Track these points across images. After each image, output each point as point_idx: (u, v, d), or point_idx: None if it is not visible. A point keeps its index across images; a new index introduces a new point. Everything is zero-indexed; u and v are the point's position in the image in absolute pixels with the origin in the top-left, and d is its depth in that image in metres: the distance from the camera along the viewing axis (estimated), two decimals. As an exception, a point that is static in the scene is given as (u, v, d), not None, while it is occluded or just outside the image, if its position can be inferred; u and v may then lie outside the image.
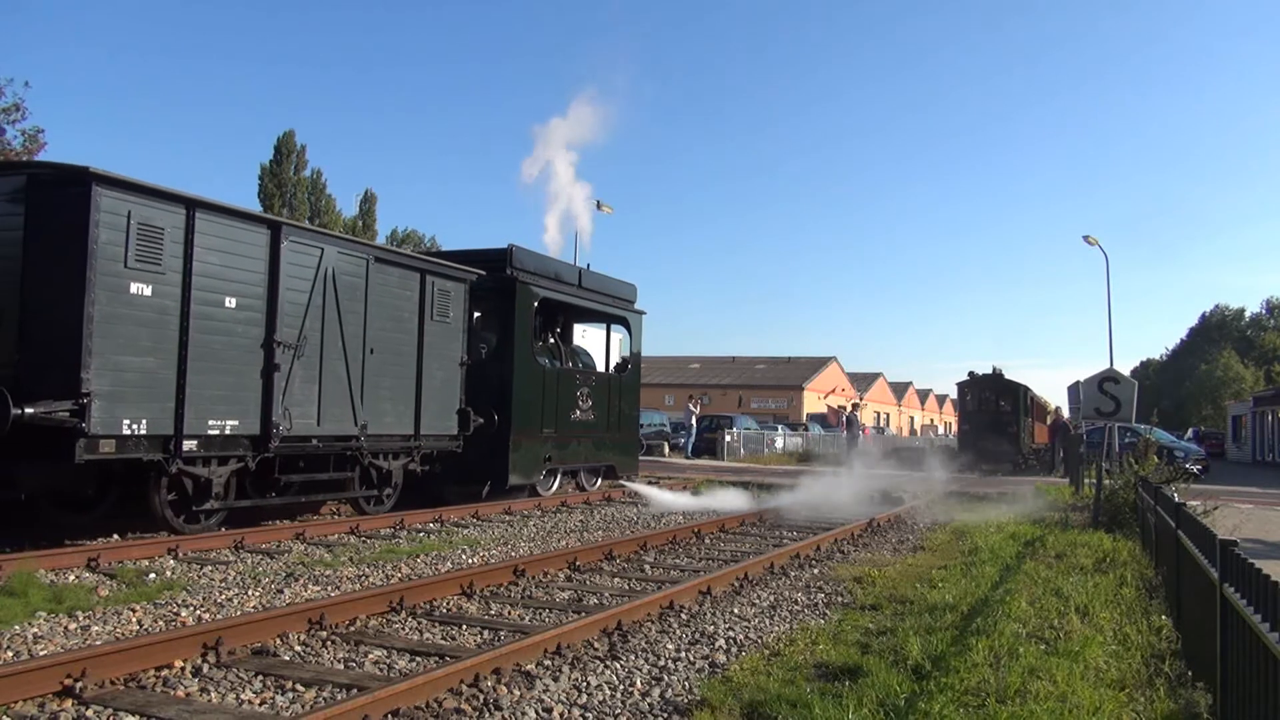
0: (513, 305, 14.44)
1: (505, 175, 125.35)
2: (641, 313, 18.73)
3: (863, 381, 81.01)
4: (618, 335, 19.52)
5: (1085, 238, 34.62)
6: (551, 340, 16.76)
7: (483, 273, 13.85)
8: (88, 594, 7.08)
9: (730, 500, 16.91)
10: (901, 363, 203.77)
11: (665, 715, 4.84)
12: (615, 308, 18.03)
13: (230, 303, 9.87)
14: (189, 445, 9.46)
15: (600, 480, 17.64)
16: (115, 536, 9.57)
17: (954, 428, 54.29)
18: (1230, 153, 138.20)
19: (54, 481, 9.28)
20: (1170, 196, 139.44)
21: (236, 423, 9.95)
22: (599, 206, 29.30)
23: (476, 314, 14.23)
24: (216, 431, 9.75)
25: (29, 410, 8.13)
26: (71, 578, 7.73)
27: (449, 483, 14.07)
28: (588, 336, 21.36)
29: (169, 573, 8.14)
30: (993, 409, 34.28)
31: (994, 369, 35.18)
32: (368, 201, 54.52)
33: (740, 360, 75.01)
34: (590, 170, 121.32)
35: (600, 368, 18.43)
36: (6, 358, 8.60)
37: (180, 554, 8.92)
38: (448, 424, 13.18)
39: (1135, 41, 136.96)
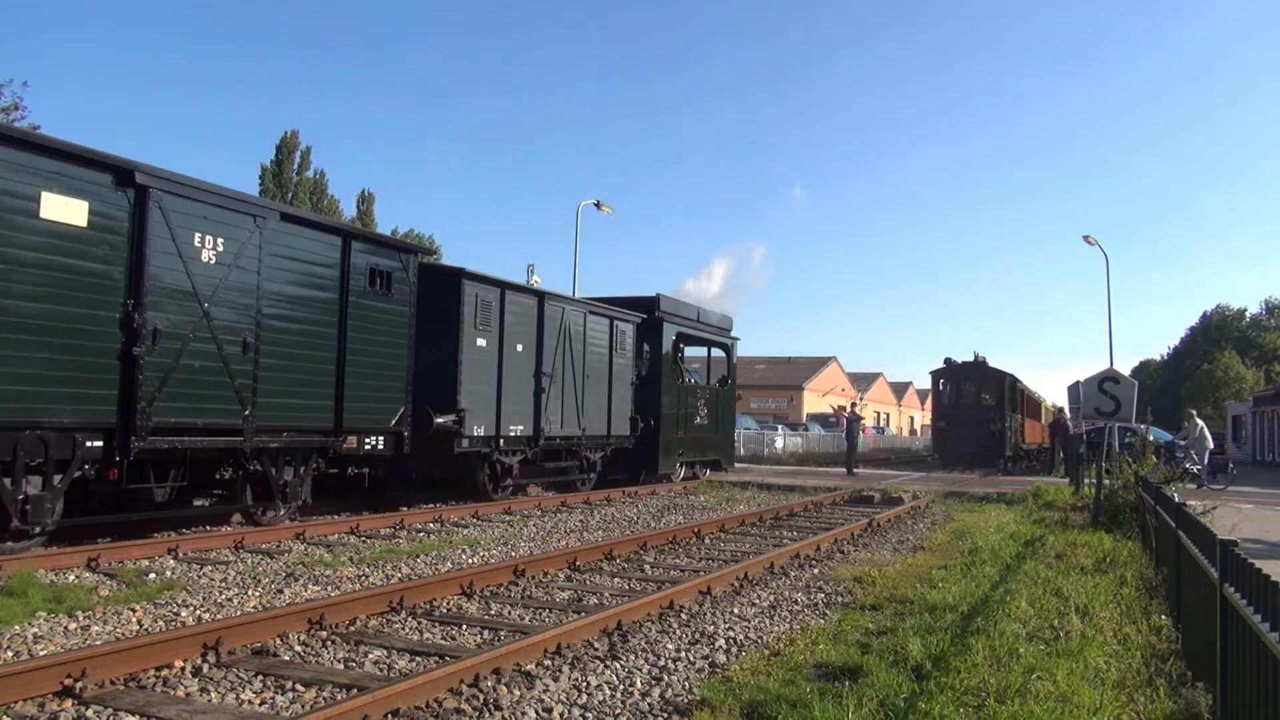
0: (660, 339, 19.33)
1: (503, 174, 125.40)
2: (737, 339, 23.45)
3: (863, 381, 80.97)
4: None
5: (1085, 237, 34.53)
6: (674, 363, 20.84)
7: (645, 316, 18.86)
8: (88, 594, 7.08)
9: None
10: (901, 363, 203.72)
11: (665, 715, 4.84)
12: (719, 335, 22.74)
13: (519, 348, 14.88)
14: (501, 442, 14.45)
15: (709, 471, 22.00)
16: (116, 538, 9.57)
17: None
18: (1231, 153, 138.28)
19: (435, 467, 13.95)
20: (1171, 197, 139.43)
21: (522, 428, 14.98)
22: (599, 207, 29.34)
23: None
24: (514, 433, 14.77)
25: (439, 420, 12.90)
26: (71, 578, 7.74)
27: (614, 471, 18.39)
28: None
29: (169, 573, 8.14)
30: (973, 402, 30.25)
31: (975, 355, 31.10)
32: (365, 201, 54.57)
33: (740, 360, 74.93)
34: (589, 167, 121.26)
35: (702, 381, 23.34)
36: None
37: (180, 554, 8.93)
38: (624, 427, 18.32)
39: (1136, 41, 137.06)
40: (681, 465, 20.45)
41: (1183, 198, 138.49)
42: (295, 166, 49.94)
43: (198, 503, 10.88)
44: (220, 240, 9.82)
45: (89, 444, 8.66)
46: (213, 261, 9.74)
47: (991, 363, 31.32)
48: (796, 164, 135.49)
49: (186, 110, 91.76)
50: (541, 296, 15.49)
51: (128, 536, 9.58)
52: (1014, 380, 31.49)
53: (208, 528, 10.77)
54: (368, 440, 11.93)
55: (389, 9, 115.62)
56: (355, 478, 12.66)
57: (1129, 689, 5.26)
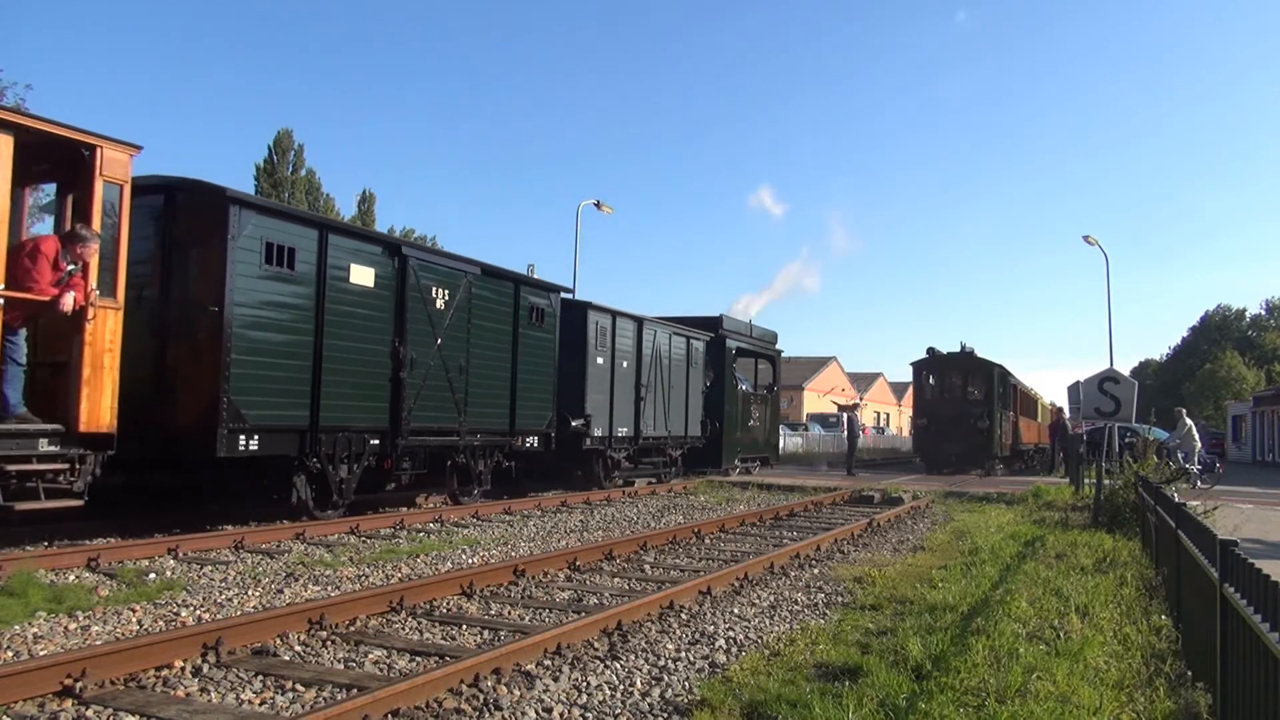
0: (723, 354, 22.64)
1: (501, 173, 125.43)
2: (780, 350, 26.98)
3: (863, 381, 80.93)
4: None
5: (1085, 238, 34.44)
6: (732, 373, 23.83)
7: (711, 335, 22.19)
8: (88, 594, 7.07)
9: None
10: (901, 363, 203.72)
11: (665, 715, 4.84)
12: (766, 349, 26.10)
13: (625, 364, 18.13)
14: (613, 441, 17.74)
15: (758, 466, 24.92)
16: (116, 538, 9.57)
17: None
18: (1233, 153, 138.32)
19: (565, 462, 16.96)
20: (1172, 196, 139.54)
21: (626, 430, 18.27)
22: (599, 207, 29.32)
23: None
24: (621, 434, 18.02)
25: (574, 423, 16.27)
26: (71, 578, 7.73)
27: (685, 465, 21.44)
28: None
29: (169, 573, 8.14)
30: (959, 396, 27.55)
31: (962, 345, 28.31)
32: (366, 201, 54.61)
33: (741, 360, 74.71)
34: (588, 164, 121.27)
35: (749, 385, 25.69)
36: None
37: (180, 554, 8.92)
38: (698, 429, 21.66)
39: (1136, 41, 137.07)
40: (738, 461, 23.58)
41: (1184, 197, 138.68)
42: (290, 166, 49.96)
43: (388, 486, 13.01)
44: (446, 291, 13.04)
45: (372, 442, 11.87)
46: (442, 307, 12.96)
47: (961, 341, 29.10)
48: (793, 160, 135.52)
49: (183, 105, 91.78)
50: (640, 321, 18.72)
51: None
52: (1005, 372, 28.91)
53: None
54: (528, 439, 15.20)
55: (388, 6, 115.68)
56: (506, 469, 15.15)
57: (1129, 689, 5.26)
